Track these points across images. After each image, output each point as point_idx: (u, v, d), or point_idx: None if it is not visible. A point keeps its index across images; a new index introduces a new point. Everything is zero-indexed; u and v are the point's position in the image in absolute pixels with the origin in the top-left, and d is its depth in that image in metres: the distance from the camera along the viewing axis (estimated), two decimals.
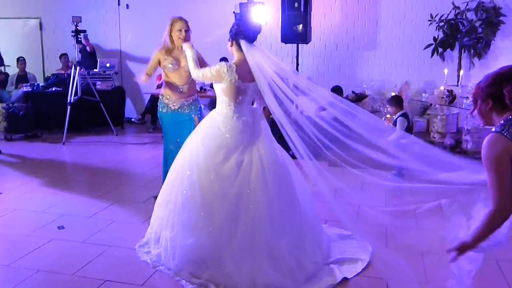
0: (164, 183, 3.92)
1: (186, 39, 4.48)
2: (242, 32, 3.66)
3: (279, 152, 3.75)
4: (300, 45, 7.56)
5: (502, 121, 2.12)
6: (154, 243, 3.78)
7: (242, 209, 3.43)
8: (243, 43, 3.66)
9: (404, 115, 6.14)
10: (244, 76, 3.64)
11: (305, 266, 3.48)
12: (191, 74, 3.98)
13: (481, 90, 2.19)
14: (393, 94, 7.74)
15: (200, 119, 4.45)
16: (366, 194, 5.42)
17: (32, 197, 5.28)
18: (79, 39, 8.27)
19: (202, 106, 4.94)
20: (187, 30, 4.51)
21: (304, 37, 6.87)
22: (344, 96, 8.03)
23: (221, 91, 3.69)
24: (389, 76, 8.54)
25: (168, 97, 4.64)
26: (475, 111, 2.25)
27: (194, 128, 4.24)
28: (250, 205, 3.43)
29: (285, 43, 7.24)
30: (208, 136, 3.68)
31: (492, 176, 2.08)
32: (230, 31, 3.74)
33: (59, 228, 4.38)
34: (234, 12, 7.46)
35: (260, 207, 3.43)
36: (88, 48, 9.32)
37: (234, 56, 3.78)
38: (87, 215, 4.72)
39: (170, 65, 4.55)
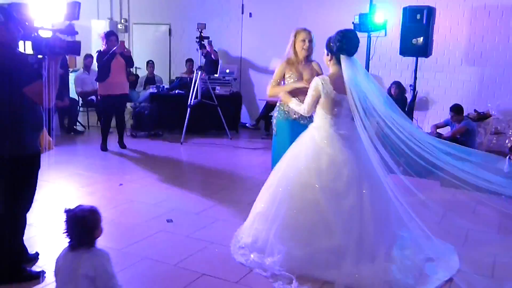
0: (263, 190, 4.02)
1: (310, 50, 4.53)
2: (344, 49, 3.71)
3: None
4: (420, 58, 7.31)
5: None
6: (252, 249, 3.86)
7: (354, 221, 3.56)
8: (343, 58, 3.73)
9: None
10: (339, 88, 3.68)
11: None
12: (301, 111, 4.04)
13: None
14: None
15: None
16: (479, 218, 5.13)
17: (148, 191, 5.66)
18: (203, 44, 8.68)
19: None
20: (311, 41, 4.55)
21: (424, 51, 6.62)
22: (465, 114, 7.62)
23: (318, 104, 3.80)
24: None
25: (287, 105, 4.70)
26: None
27: None
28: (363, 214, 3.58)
29: (404, 56, 7.04)
30: (308, 151, 3.79)
31: None
32: (328, 45, 3.80)
33: (167, 221, 4.64)
34: (353, 23, 7.39)
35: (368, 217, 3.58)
36: (212, 56, 9.75)
37: (330, 69, 3.86)
38: (194, 211, 4.95)
39: (290, 80, 4.61)
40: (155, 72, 10.61)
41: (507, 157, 6.16)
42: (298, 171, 3.75)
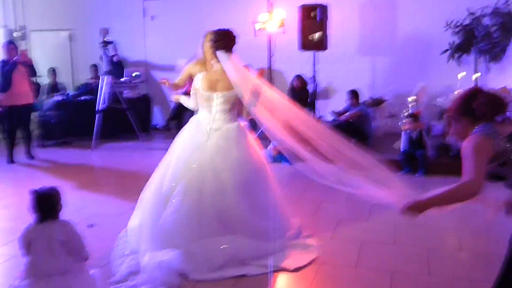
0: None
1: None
2: (218, 44, 4.03)
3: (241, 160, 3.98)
4: (318, 52, 7.81)
5: (478, 128, 2.42)
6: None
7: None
8: (220, 54, 4.03)
9: None
10: (210, 85, 4.02)
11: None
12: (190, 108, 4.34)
13: (453, 113, 2.55)
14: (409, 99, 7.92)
15: None
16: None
17: (65, 199, 5.62)
18: (107, 49, 8.65)
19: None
20: None
21: (321, 45, 7.12)
22: (361, 101, 8.24)
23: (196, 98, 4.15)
24: (406, 81, 8.71)
25: None
26: (452, 132, 2.54)
27: None
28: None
29: (303, 51, 7.50)
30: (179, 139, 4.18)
31: (472, 161, 2.32)
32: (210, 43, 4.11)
33: (88, 226, 4.68)
34: (253, 22, 7.76)
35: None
36: (114, 58, 9.71)
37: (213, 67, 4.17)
38: (115, 214, 5.05)
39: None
40: (57, 80, 10.36)
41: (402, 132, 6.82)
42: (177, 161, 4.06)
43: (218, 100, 4.00)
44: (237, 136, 4.02)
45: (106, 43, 8.56)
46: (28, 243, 2.92)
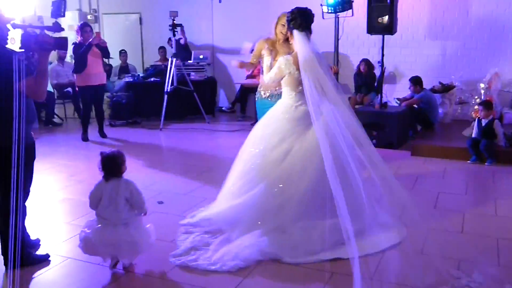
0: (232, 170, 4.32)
1: (285, 34, 4.77)
2: (293, 24, 3.90)
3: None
4: (386, 36, 7.64)
5: None
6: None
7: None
8: (296, 33, 3.91)
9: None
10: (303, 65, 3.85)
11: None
12: (264, 80, 4.35)
13: None
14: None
15: None
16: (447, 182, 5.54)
17: (135, 176, 5.74)
18: (176, 32, 8.83)
19: None
20: None
21: (389, 28, 6.96)
22: (431, 86, 8.03)
23: (283, 81, 4.04)
24: (478, 66, 8.40)
25: (262, 86, 5.01)
26: None
27: None
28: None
29: (371, 34, 7.36)
30: (268, 122, 4.09)
31: None
32: (288, 22, 3.98)
33: (158, 203, 4.90)
34: (321, 4, 7.68)
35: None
36: (181, 41, 9.92)
37: (294, 48, 4.03)
38: (182, 192, 5.23)
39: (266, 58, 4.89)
40: (128, 61, 10.72)
41: (475, 120, 6.61)
42: (263, 146, 4.02)
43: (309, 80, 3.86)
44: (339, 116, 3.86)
45: (175, 26, 8.73)
46: (97, 198, 3.41)
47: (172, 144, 7.84)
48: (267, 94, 4.98)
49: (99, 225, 3.37)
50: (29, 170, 3.53)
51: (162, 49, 10.43)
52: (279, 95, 4.93)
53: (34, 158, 3.56)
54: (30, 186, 3.60)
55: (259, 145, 4.05)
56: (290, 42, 4.07)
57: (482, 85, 7.80)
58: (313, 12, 4.00)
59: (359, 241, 3.49)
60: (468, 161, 6.24)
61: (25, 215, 3.66)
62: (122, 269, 3.49)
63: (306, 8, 3.99)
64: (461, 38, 8.55)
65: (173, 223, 4.34)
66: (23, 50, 3.35)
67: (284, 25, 4.74)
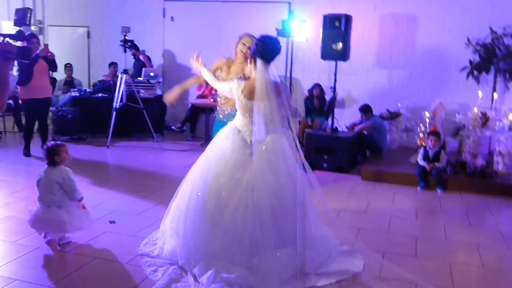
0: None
1: (247, 54, 4.74)
2: (260, 52, 3.72)
3: (287, 174, 3.75)
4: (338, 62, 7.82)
5: None
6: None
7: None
8: (259, 62, 3.73)
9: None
10: (253, 95, 3.72)
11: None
12: (212, 85, 4.27)
13: None
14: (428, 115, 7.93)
15: None
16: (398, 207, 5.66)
17: (84, 194, 5.61)
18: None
19: None
20: (250, 48, 4.77)
21: (343, 55, 7.13)
22: (378, 113, 8.26)
23: (236, 104, 3.93)
24: (423, 95, 8.73)
25: (219, 106, 4.94)
26: None
27: None
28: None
29: (324, 60, 7.51)
30: (214, 146, 3.91)
31: None
32: (251, 48, 3.86)
33: (110, 222, 4.71)
34: (276, 29, 7.78)
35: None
36: (147, 65, 9.73)
37: (251, 74, 3.91)
38: (135, 212, 5.06)
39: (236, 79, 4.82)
40: (73, 75, 10.40)
41: (421, 148, 6.85)
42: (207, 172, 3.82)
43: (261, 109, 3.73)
44: (281, 147, 3.80)
45: (126, 42, 8.56)
46: (37, 181, 4.11)
47: (120, 162, 7.59)
48: (221, 116, 4.89)
49: (39, 205, 4.05)
50: None
51: (113, 65, 10.15)
52: (230, 115, 4.86)
53: None
54: None
55: (204, 169, 3.84)
56: (249, 65, 3.93)
57: (427, 114, 8.10)
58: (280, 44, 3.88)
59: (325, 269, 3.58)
60: (418, 187, 6.42)
61: None
62: (46, 242, 4.04)
63: (277, 39, 3.91)
64: (407, 67, 8.87)
65: (127, 244, 4.18)
66: None
67: (245, 44, 4.74)
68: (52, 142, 4.18)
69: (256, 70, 3.75)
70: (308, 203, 3.80)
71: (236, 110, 4.78)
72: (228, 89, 3.92)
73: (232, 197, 3.60)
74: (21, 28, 7.14)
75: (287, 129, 3.86)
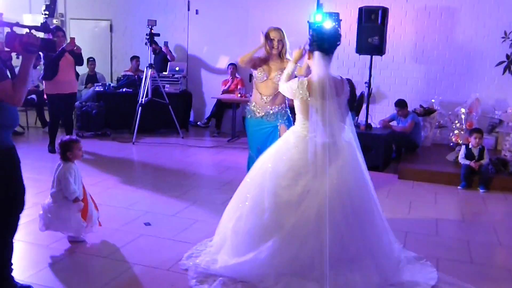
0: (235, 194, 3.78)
1: (278, 48, 4.53)
2: (316, 43, 3.40)
3: (357, 178, 3.47)
4: (366, 56, 7.53)
5: None
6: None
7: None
8: (316, 55, 3.42)
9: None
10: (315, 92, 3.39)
11: None
12: (279, 87, 3.88)
13: None
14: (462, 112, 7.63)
15: (288, 127, 4.31)
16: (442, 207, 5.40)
17: (114, 194, 5.47)
18: (153, 41, 8.45)
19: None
20: (280, 40, 4.54)
21: (379, 49, 6.86)
22: (412, 109, 7.96)
23: (296, 108, 3.54)
24: (457, 91, 8.42)
25: (254, 104, 4.71)
26: None
27: (278, 137, 4.30)
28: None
29: (360, 54, 7.23)
30: (279, 155, 3.51)
31: None
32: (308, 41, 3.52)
33: (146, 224, 4.52)
34: (308, 21, 7.52)
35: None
36: (169, 57, 9.56)
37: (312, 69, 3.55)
38: (170, 213, 4.85)
39: (259, 75, 4.61)
40: (96, 70, 10.22)
41: (461, 146, 6.59)
42: (262, 171, 3.55)
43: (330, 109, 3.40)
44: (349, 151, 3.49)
45: (153, 35, 8.35)
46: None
47: (146, 159, 7.40)
48: (262, 114, 4.68)
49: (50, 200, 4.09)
50: (14, 173, 3.06)
51: (135, 59, 9.93)
52: (275, 114, 4.67)
53: (18, 160, 3.08)
54: (17, 195, 3.06)
55: (268, 180, 3.44)
56: (309, 59, 3.56)
57: (463, 110, 7.81)
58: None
59: None
60: (458, 187, 6.15)
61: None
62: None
63: (334, 26, 3.65)
64: (440, 62, 8.56)
65: (166, 248, 3.99)
66: (8, 50, 3.01)
67: (272, 40, 4.51)
68: (67, 137, 4.13)
69: (315, 65, 3.43)
70: (378, 208, 3.57)
71: (281, 110, 4.62)
72: (289, 89, 3.54)
73: (306, 210, 3.28)
74: (46, 20, 6.94)
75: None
